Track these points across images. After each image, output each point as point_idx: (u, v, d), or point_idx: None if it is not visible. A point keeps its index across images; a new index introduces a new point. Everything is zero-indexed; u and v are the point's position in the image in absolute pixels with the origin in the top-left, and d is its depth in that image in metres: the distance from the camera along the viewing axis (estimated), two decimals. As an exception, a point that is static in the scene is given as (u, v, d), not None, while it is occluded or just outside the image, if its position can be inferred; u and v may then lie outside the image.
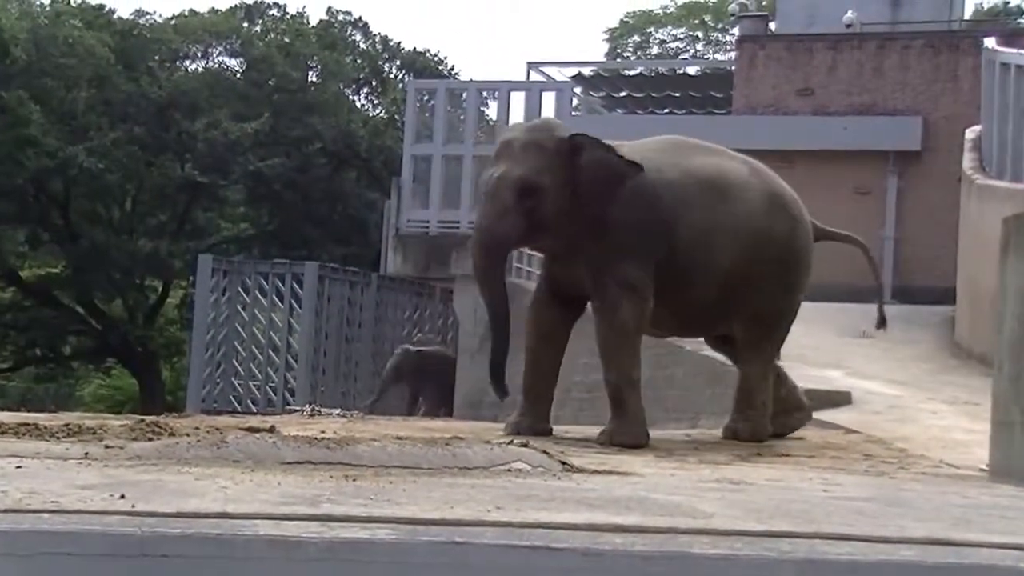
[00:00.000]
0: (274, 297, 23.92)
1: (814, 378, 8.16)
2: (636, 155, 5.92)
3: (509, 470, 3.87)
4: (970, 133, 14.82)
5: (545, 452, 4.24)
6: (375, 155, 30.13)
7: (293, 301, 23.82)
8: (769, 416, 6.21)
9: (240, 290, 23.79)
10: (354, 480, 3.34)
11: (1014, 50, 13.72)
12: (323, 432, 5.23)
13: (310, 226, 29.60)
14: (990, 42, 15.18)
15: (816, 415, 7.60)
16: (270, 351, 23.86)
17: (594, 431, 7.29)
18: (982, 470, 5.03)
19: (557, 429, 7.96)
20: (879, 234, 18.48)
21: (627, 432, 5.75)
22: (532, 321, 6.12)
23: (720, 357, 9.88)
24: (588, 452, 5.18)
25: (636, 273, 5.79)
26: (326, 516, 2.58)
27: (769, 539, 2.52)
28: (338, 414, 9.49)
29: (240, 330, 23.83)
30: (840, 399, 8.02)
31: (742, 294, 6.03)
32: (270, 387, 23.69)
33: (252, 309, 23.93)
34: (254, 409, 21.40)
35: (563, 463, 4.09)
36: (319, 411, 9.74)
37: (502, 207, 5.73)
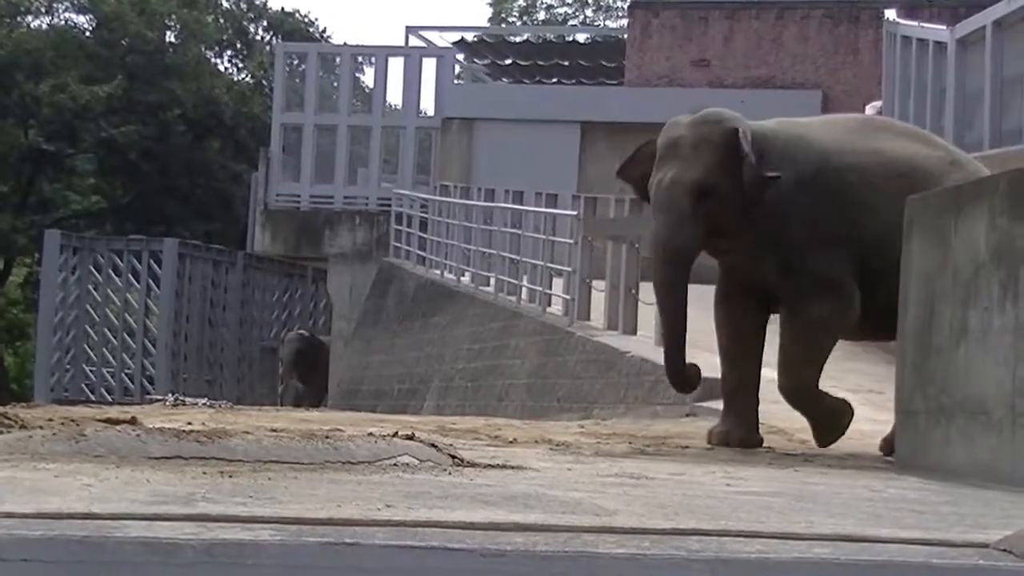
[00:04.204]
0: (129, 276, 23.43)
1: (711, 365, 8.27)
2: (824, 135, 5.68)
3: (396, 465, 3.86)
4: (870, 108, 15.18)
5: (433, 445, 4.23)
6: (241, 123, 29.69)
7: (151, 281, 23.36)
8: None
9: (92, 268, 23.24)
10: (230, 476, 3.29)
11: (915, 23, 14.11)
12: (190, 424, 5.15)
13: (169, 200, 29.05)
14: (891, 14, 15.58)
15: (715, 405, 7.73)
16: (125, 335, 23.37)
17: (482, 422, 7.32)
18: (888, 461, 5.18)
19: (441, 419, 7.97)
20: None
21: (836, 426, 5.72)
22: (723, 322, 5.87)
23: (613, 344, 10.01)
24: (478, 445, 5.19)
25: (833, 266, 5.54)
26: (203, 516, 2.53)
27: (677, 537, 2.55)
28: (204, 404, 9.36)
29: (92, 312, 23.29)
30: (738, 387, 8.14)
31: None
32: (126, 374, 23.21)
33: (105, 289, 23.38)
34: (109, 398, 20.98)
35: (453, 457, 4.09)
36: (183, 401, 9.58)
37: (679, 216, 5.53)
